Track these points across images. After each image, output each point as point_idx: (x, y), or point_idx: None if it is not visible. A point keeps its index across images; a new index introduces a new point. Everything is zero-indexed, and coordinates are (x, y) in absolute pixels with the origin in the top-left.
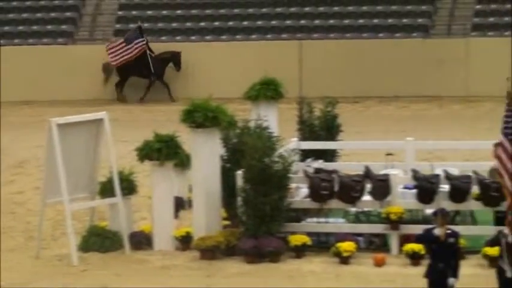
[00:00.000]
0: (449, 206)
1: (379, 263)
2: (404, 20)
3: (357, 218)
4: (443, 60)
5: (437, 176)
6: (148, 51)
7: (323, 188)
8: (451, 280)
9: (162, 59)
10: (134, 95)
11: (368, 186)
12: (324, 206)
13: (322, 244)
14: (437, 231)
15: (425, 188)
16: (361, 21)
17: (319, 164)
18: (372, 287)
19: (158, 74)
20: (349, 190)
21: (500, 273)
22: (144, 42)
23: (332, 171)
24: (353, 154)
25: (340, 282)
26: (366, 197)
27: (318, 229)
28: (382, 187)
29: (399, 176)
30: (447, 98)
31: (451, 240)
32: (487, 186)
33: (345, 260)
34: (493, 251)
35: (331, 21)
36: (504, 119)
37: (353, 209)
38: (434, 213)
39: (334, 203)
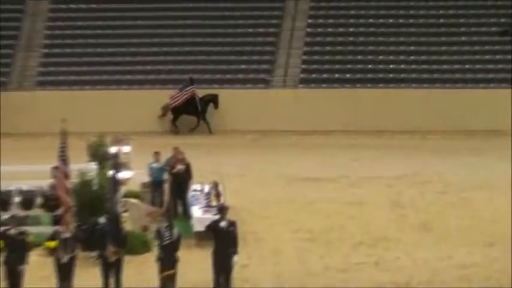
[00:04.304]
0: (21, 212)
1: None
2: None
3: None
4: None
5: (10, 190)
6: (196, 96)
7: None
8: (21, 267)
9: (205, 100)
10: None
11: None
12: None
13: None
14: (12, 231)
15: (1, 200)
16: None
17: None
18: None
19: (203, 111)
20: None
21: (58, 259)
22: (191, 89)
23: None
24: None
25: None
26: None
27: None
28: None
29: None
30: None
31: (22, 237)
32: (48, 197)
33: None
34: (52, 244)
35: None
36: (60, 150)
37: None
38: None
39: None
